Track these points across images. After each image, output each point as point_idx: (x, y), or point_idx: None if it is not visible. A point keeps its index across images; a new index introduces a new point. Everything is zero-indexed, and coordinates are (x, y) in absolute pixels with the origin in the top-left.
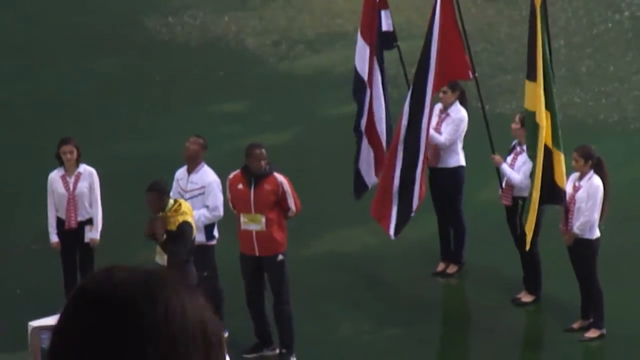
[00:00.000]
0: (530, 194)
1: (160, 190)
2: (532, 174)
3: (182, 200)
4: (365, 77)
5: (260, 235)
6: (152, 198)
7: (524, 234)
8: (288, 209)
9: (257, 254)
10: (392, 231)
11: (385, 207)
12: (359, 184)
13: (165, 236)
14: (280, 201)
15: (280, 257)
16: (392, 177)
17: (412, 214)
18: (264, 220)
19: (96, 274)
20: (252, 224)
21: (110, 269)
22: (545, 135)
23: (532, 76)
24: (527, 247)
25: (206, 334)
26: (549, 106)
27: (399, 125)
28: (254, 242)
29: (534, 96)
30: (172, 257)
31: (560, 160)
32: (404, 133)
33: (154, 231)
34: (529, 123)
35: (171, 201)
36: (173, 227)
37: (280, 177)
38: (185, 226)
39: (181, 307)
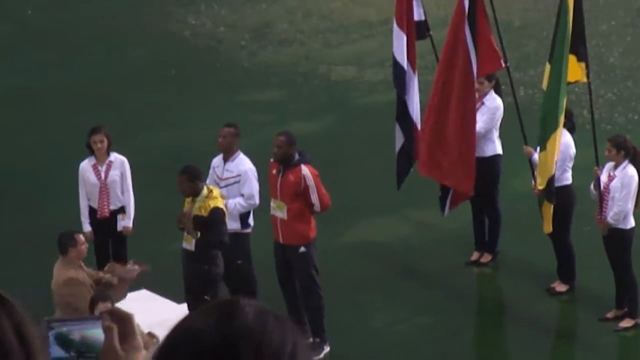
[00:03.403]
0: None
1: (190, 174)
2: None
3: (213, 187)
4: (405, 66)
5: (284, 224)
6: (182, 181)
7: (554, 225)
8: (312, 204)
9: (281, 241)
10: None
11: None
12: (402, 171)
13: (194, 225)
14: (303, 194)
15: (302, 249)
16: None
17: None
18: (286, 209)
19: None
20: (278, 210)
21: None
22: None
23: (551, 58)
24: (548, 230)
25: None
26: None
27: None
28: (279, 228)
29: (547, 76)
30: (201, 243)
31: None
32: None
33: (184, 225)
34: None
35: (205, 189)
36: (204, 212)
37: (305, 170)
38: (216, 212)
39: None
